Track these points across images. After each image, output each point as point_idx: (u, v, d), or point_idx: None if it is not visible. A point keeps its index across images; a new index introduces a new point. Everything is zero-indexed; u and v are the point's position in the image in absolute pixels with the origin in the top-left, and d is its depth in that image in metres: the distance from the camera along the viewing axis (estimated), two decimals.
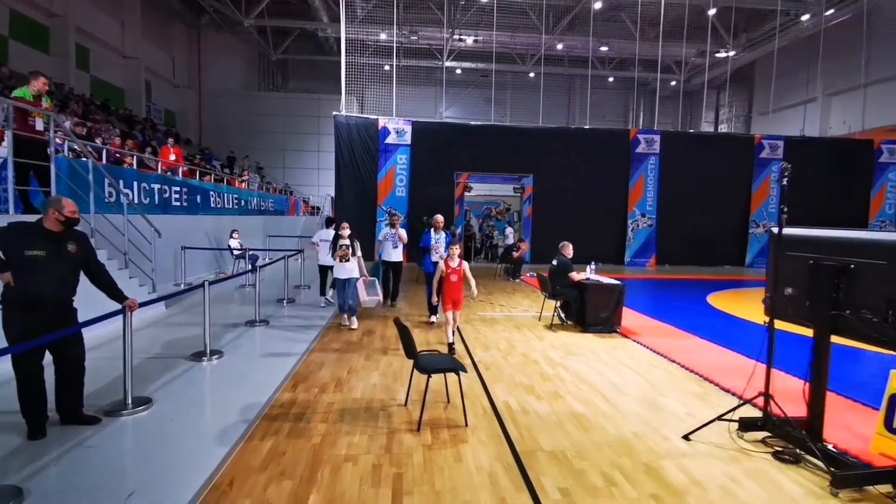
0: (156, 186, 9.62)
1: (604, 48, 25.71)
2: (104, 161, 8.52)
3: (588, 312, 6.59)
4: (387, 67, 22.61)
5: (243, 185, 16.30)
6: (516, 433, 3.45)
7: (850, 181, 16.67)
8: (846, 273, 2.87)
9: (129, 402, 3.68)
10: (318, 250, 8.13)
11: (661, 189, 16.03)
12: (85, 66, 16.73)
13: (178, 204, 10.42)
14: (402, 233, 7.73)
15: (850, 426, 3.57)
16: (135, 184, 8.78)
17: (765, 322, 3.35)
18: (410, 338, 3.70)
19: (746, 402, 3.48)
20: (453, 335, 5.61)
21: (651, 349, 5.80)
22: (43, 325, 3.10)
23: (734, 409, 3.46)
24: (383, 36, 21.67)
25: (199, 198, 11.54)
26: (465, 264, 5.64)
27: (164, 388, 4.15)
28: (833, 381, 4.28)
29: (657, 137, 16.28)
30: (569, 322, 7.01)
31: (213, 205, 12.32)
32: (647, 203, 16.11)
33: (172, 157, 11.76)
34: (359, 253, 6.59)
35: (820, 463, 2.95)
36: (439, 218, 7.29)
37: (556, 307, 7.09)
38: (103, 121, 13.49)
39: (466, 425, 3.56)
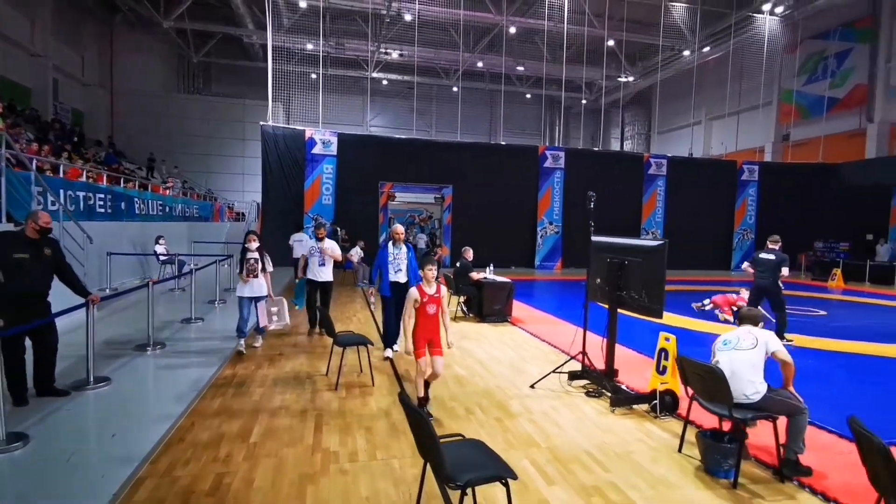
0: (81, 194, 9.89)
1: (520, 68, 27.89)
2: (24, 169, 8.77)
3: (484, 305, 7.94)
4: (314, 76, 23.26)
5: (167, 191, 16.36)
6: (410, 389, 4.63)
7: (719, 195, 19.60)
8: (623, 267, 4.33)
9: (91, 379, 4.45)
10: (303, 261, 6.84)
11: (566, 199, 18.02)
12: None
13: (102, 210, 10.66)
14: (330, 248, 6.52)
15: (640, 372, 5.09)
16: (61, 191, 9.05)
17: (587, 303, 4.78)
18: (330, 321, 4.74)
19: (572, 357, 4.90)
20: (427, 388, 4.08)
21: (530, 333, 7.23)
22: (25, 315, 3.85)
23: (563, 364, 4.88)
24: (310, 46, 22.27)
25: (123, 204, 11.76)
26: (445, 290, 4.11)
27: (118, 370, 4.91)
28: (629, 341, 5.88)
29: (562, 153, 18.30)
30: (470, 315, 8.34)
31: (137, 211, 12.52)
32: (554, 212, 18.04)
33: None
34: (269, 268, 5.85)
35: (609, 394, 4.38)
36: (397, 228, 5.80)
37: (458, 302, 8.40)
38: (13, 125, 13.20)
39: (373, 384, 4.70)
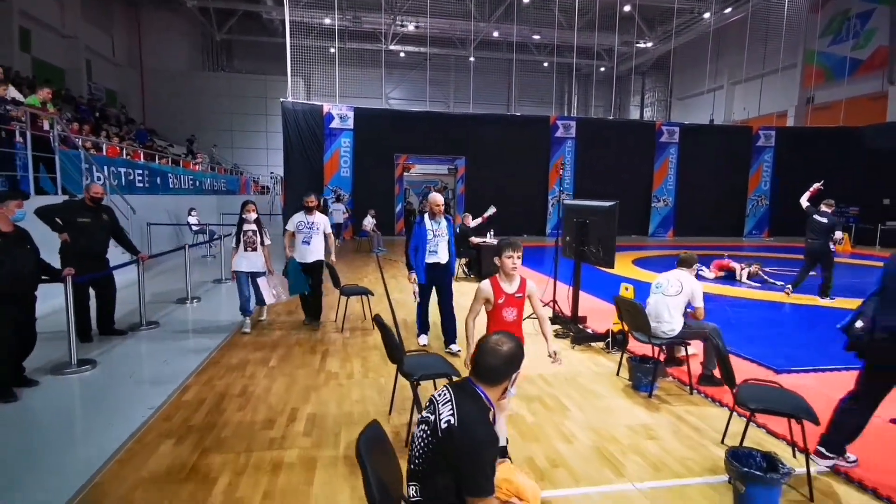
0: (122, 170, 10.92)
1: (536, 36, 27.77)
2: (69, 148, 9.80)
3: (483, 266, 8.68)
4: (332, 50, 23.81)
5: (197, 167, 17.43)
6: (405, 332, 5.46)
7: (734, 161, 19.60)
8: (585, 225, 4.99)
9: (144, 322, 5.42)
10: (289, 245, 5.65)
11: (578, 169, 18.38)
12: (27, 47, 17.15)
13: (140, 185, 11.72)
14: (323, 222, 5.50)
15: (609, 319, 5.80)
16: (105, 168, 10.07)
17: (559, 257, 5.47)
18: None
19: (545, 304, 5.64)
20: (504, 427, 2.66)
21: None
22: (89, 269, 4.77)
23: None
24: (327, 20, 22.73)
25: (158, 179, 12.81)
26: (532, 286, 2.91)
27: (165, 317, 5.89)
28: (598, 291, 6.56)
29: (573, 123, 18.58)
30: (471, 275, 9.11)
31: (171, 185, 13.58)
32: (565, 181, 18.44)
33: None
34: (267, 241, 5.34)
35: (573, 334, 5.12)
36: (436, 198, 4.74)
37: (460, 264, 9.17)
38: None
39: (373, 328, 5.55)
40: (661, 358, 3.99)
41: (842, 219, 17.55)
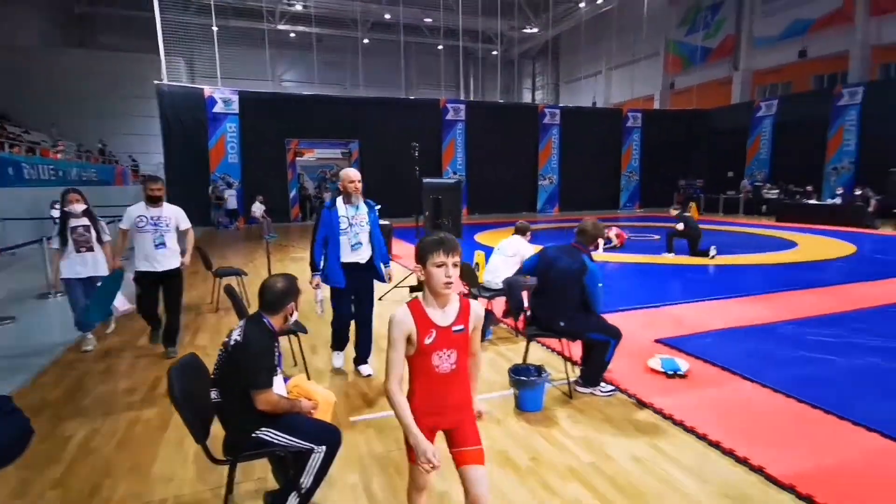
0: None
1: (428, 19, 28.23)
2: None
3: None
4: (214, 28, 22.56)
5: (59, 155, 15.94)
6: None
7: (609, 141, 21.58)
8: (438, 201, 5.62)
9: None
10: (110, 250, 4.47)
11: (469, 150, 19.28)
12: None
13: None
14: (175, 216, 4.22)
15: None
16: None
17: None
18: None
19: (412, 273, 6.25)
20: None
21: (401, 264, 8.50)
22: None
23: (403, 279, 6.21)
24: None
25: (11, 170, 11.67)
26: (479, 311, 1.78)
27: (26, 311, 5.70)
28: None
29: (462, 106, 19.39)
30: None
31: (26, 177, 12.41)
32: (457, 162, 19.27)
33: None
34: (106, 237, 4.41)
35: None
36: (351, 173, 3.68)
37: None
38: None
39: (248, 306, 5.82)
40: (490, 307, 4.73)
41: (690, 190, 20.19)
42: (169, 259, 4.18)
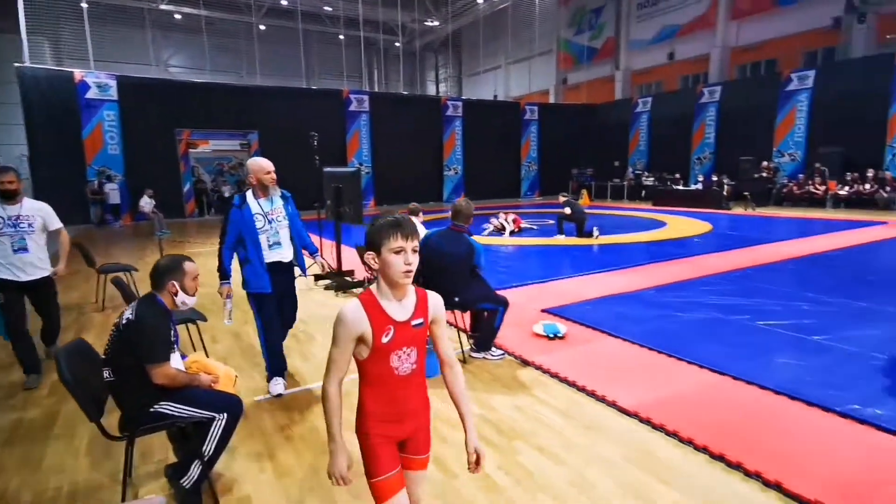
0: None
1: (327, 8, 27.58)
2: None
3: None
4: (84, 4, 20.36)
5: None
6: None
7: (509, 133, 22.61)
8: (339, 190, 5.74)
9: None
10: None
11: (375, 141, 19.26)
12: None
13: None
14: (41, 214, 3.60)
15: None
16: None
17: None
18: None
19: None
20: None
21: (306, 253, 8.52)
22: None
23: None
24: None
25: None
26: (438, 303, 1.55)
27: None
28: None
29: (366, 97, 19.30)
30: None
31: None
32: (363, 153, 19.19)
33: None
34: None
35: (336, 284, 5.90)
36: (262, 164, 3.22)
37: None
38: None
39: None
40: None
41: (581, 178, 21.82)
42: (34, 266, 3.55)
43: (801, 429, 2.70)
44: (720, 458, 2.48)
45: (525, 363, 3.77)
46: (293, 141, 17.20)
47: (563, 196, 10.34)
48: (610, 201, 19.78)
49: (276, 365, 3.39)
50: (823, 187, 14.69)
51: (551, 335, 4.19)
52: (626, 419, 2.91)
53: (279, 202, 3.31)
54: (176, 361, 2.18)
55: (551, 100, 27.69)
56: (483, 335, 3.92)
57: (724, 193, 15.49)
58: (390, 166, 19.44)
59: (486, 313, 3.87)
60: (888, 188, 13.55)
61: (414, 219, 4.80)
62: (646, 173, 20.34)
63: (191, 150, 16.75)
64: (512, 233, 10.63)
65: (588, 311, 4.91)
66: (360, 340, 1.39)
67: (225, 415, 2.15)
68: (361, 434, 1.46)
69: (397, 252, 1.38)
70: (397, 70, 34.60)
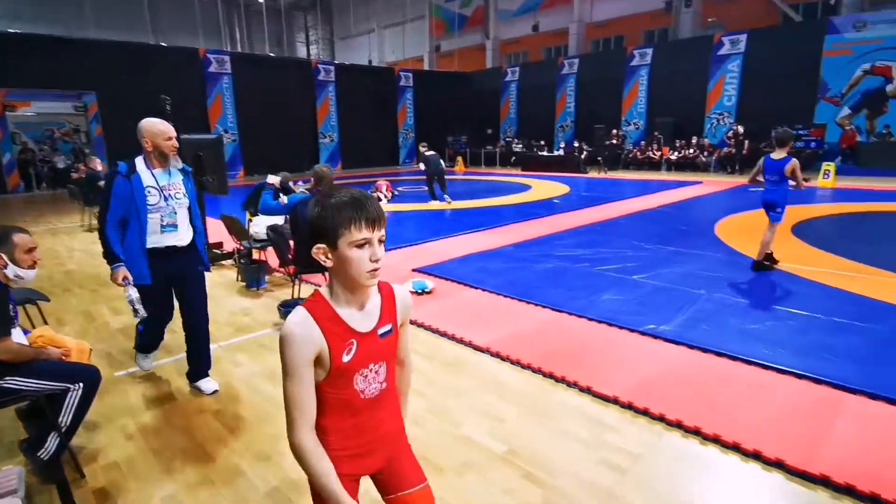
0: None
1: None
2: None
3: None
4: None
5: None
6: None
7: (385, 99, 22.43)
8: (200, 158, 5.44)
9: None
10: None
11: (240, 106, 17.94)
12: None
13: None
14: None
15: None
16: None
17: None
18: None
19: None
20: None
21: None
22: None
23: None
24: None
25: None
26: (406, 298, 1.26)
27: None
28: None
29: (227, 58, 17.80)
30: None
31: None
32: (227, 119, 17.82)
33: None
34: None
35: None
36: (160, 127, 2.72)
37: (92, 213, 8.39)
38: None
39: None
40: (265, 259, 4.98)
41: (456, 146, 22.56)
42: None
43: (613, 347, 3.36)
44: (549, 375, 3.01)
45: None
46: (141, 105, 15.20)
47: (423, 146, 10.69)
48: (484, 167, 20.78)
49: (146, 343, 3.08)
50: (659, 153, 16.92)
51: (420, 291, 4.53)
52: (480, 355, 3.35)
53: (178, 177, 2.80)
54: (18, 336, 2.09)
55: (426, 67, 27.85)
56: None
57: (582, 159, 17.13)
58: (259, 133, 18.34)
59: None
60: (706, 153, 16.04)
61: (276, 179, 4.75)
62: (515, 140, 21.62)
63: (8, 112, 14.23)
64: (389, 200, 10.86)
65: (454, 268, 5.35)
66: (317, 365, 1.06)
67: (80, 384, 2.13)
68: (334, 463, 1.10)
69: (360, 245, 1.03)
70: (262, 29, 32.11)
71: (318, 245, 1.06)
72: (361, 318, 1.11)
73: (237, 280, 5.08)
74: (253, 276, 4.78)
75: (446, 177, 10.47)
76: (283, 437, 2.42)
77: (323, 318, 1.06)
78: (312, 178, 3.99)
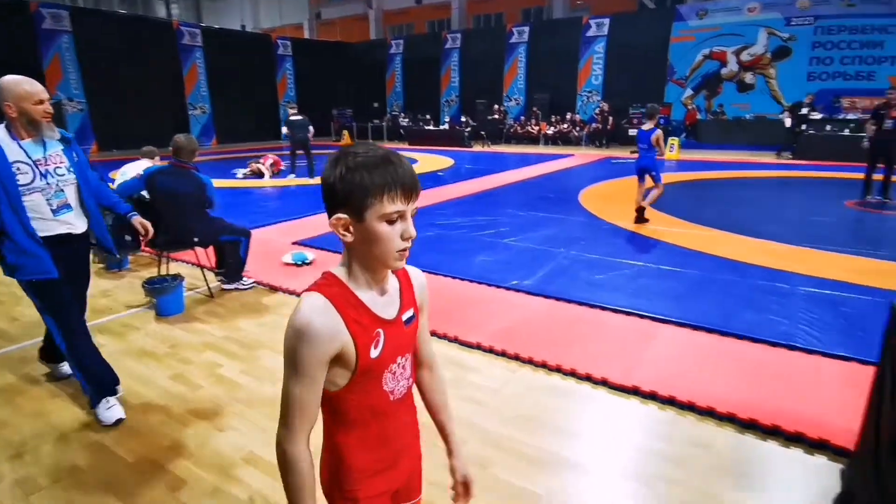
0: None
1: None
2: None
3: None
4: None
5: None
6: None
7: (261, 68, 21.03)
8: None
9: None
10: None
11: (86, 73, 15.74)
12: None
13: None
14: None
15: None
16: None
17: None
18: None
19: None
20: None
21: None
22: None
23: None
24: None
25: None
26: (419, 275, 1.07)
27: None
28: None
29: (66, 14, 15.45)
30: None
31: None
32: (71, 86, 15.59)
33: None
34: None
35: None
36: (28, 87, 2.15)
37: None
38: None
39: None
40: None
41: (342, 119, 22.05)
42: None
43: (480, 302, 3.69)
44: None
45: (273, 289, 4.06)
46: None
47: (291, 107, 10.34)
48: (371, 141, 20.52)
49: (102, 378, 2.38)
50: (537, 127, 18.01)
51: (300, 262, 4.53)
52: None
53: (57, 147, 2.26)
54: None
55: (306, 35, 26.53)
56: (230, 268, 4.03)
57: (466, 133, 17.68)
58: (114, 104, 16.34)
59: (228, 246, 3.97)
60: (578, 128, 17.40)
61: (145, 161, 4.46)
62: (402, 115, 21.61)
63: None
64: (273, 174, 10.45)
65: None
66: (335, 361, 0.86)
67: None
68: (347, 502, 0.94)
69: (392, 220, 0.84)
70: None
71: (339, 215, 0.84)
72: (384, 303, 0.92)
73: (93, 262, 4.65)
74: (111, 258, 4.43)
75: (314, 151, 10.29)
76: (154, 407, 2.39)
77: (345, 305, 0.85)
78: (172, 147, 3.77)
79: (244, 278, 4.10)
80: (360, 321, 0.86)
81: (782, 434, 2.21)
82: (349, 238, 0.86)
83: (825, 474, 1.97)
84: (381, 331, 0.89)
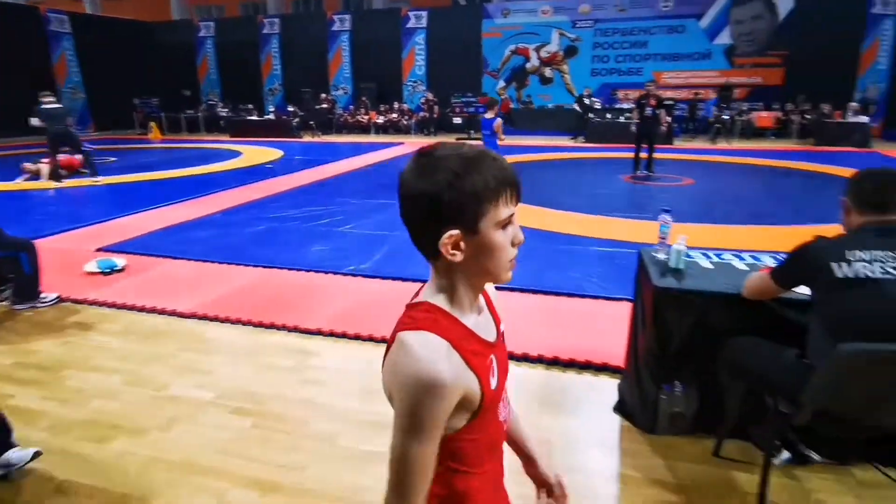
0: None
1: None
2: None
3: None
4: None
5: None
6: None
7: (25, 47, 17.29)
8: None
9: None
10: None
11: None
12: None
13: None
14: None
15: None
16: None
17: None
18: None
19: None
20: None
21: None
22: None
23: None
24: None
25: None
26: (493, 292, 0.90)
27: None
28: None
29: None
30: None
31: None
32: None
33: None
34: None
35: None
36: None
37: None
38: None
39: None
40: None
41: (147, 109, 19.50)
42: None
43: (319, 290, 3.73)
44: (259, 325, 3.19)
45: (77, 303, 3.56)
46: None
47: (44, 95, 8.68)
48: (186, 134, 18.51)
49: None
50: (367, 117, 18.09)
51: (107, 270, 4.02)
52: (185, 321, 3.27)
53: None
54: None
55: (87, 10, 22.53)
56: (18, 287, 3.43)
57: (295, 123, 16.98)
58: None
59: (4, 263, 3.36)
60: (406, 117, 17.93)
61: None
62: (220, 104, 19.85)
63: None
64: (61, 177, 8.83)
65: (151, 242, 4.88)
66: (458, 405, 0.70)
67: None
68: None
69: (505, 226, 0.73)
70: None
71: (452, 232, 0.68)
72: (485, 324, 0.79)
73: None
74: None
75: (88, 146, 9.03)
76: None
77: (459, 339, 0.70)
78: None
79: (42, 294, 3.51)
80: (477, 352, 0.72)
81: (576, 365, 2.72)
82: (458, 257, 0.70)
83: (608, 390, 2.49)
84: (493, 356, 0.76)
